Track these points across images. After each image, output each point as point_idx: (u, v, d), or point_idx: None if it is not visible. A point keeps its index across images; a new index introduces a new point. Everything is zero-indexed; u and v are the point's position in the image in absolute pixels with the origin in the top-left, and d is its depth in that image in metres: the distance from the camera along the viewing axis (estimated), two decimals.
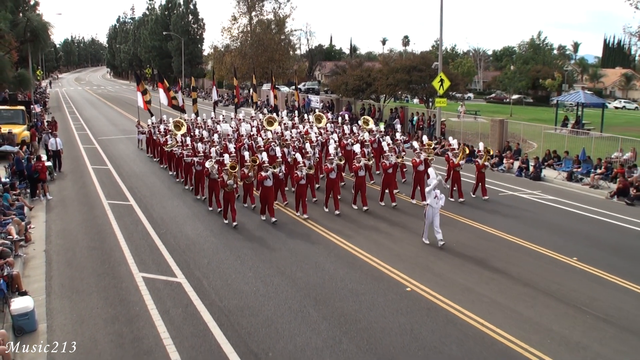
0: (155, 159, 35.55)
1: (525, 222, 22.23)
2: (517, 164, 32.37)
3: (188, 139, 29.64)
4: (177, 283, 16.20)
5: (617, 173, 28.62)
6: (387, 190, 24.47)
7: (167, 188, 28.06)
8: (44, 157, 29.76)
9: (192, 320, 13.91)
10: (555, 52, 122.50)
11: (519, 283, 16.29)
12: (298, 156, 23.98)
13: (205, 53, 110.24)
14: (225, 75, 76.44)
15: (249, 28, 76.31)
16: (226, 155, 23.22)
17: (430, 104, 50.31)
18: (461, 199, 25.10)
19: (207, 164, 23.40)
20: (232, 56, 75.48)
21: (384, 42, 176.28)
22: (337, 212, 23.02)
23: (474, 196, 25.96)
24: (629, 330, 13.60)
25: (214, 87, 49.34)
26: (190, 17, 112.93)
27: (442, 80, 40.16)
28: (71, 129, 51.11)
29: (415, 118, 47.16)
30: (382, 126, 36.83)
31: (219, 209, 23.09)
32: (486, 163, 25.96)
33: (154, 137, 35.90)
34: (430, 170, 20.00)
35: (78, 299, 15.19)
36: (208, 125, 36.86)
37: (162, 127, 35.38)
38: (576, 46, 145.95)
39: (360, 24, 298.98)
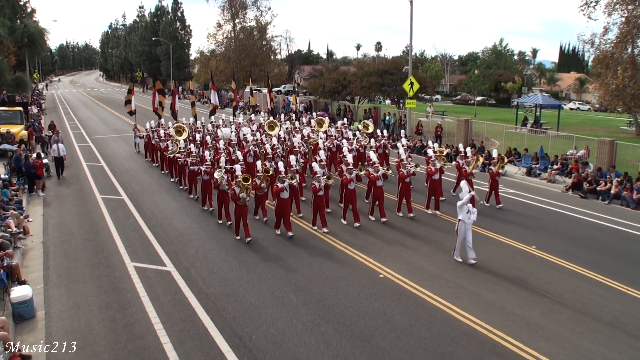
0: (154, 164, 32.80)
1: (488, 214, 22.32)
2: (480, 160, 32.53)
3: (192, 145, 26.07)
4: (167, 272, 16.15)
5: (572, 169, 28.95)
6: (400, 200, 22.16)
7: (156, 183, 27.88)
8: (42, 155, 29.45)
9: (180, 306, 13.89)
10: (515, 57, 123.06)
11: (483, 269, 16.42)
12: (315, 166, 20.92)
13: (192, 57, 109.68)
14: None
15: (232, 34, 76.14)
16: (237, 166, 20.72)
17: (401, 104, 50.49)
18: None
19: (217, 175, 20.36)
20: (217, 60, 75.45)
21: (358, 47, 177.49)
22: (357, 224, 20.41)
23: (487, 204, 23.52)
24: (583, 313, 13.77)
25: (214, 91, 45.78)
26: (178, 23, 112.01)
27: (412, 83, 40.30)
28: (66, 128, 50.51)
29: (389, 119, 47.25)
30: (356, 125, 36.54)
31: (229, 222, 20.54)
32: (500, 170, 23.81)
33: (153, 142, 33.16)
34: (463, 184, 17.52)
35: (74, 288, 15.09)
36: (208, 130, 34.36)
37: (161, 131, 32.78)
38: (535, 52, 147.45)
39: (337, 31, 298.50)
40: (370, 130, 32.47)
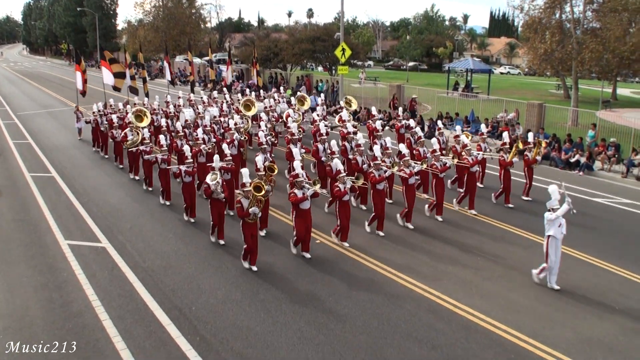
0: (104, 156, 27.61)
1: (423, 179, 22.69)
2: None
3: (162, 137, 21.52)
4: (102, 248, 16.01)
5: (502, 131, 29.73)
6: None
7: (87, 159, 27.29)
8: None
9: (118, 282, 13.84)
10: (446, 23, 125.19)
11: (418, 231, 17.00)
12: (338, 163, 16.38)
13: (119, 27, 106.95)
14: (138, 49, 74.69)
15: (161, 2, 74.57)
16: (244, 170, 15.22)
17: (334, 71, 50.80)
18: (510, 205, 19.74)
19: (209, 180, 15.47)
20: (145, 30, 73.82)
21: (289, 14, 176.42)
22: (381, 233, 16.84)
23: (526, 198, 20.49)
24: (514, 269, 14.47)
25: (168, 64, 40.94)
26: None
27: (343, 50, 40.30)
28: None
29: (322, 85, 47.34)
30: (289, 93, 35.99)
31: (222, 242, 16.17)
32: (538, 158, 20.36)
33: (102, 128, 27.77)
34: (553, 189, 13.44)
35: (7, 270, 14.81)
36: (167, 111, 29.29)
37: (114, 116, 26.60)
38: (465, 18, 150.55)
39: None
40: (354, 107, 29.57)
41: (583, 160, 25.21)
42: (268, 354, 10.70)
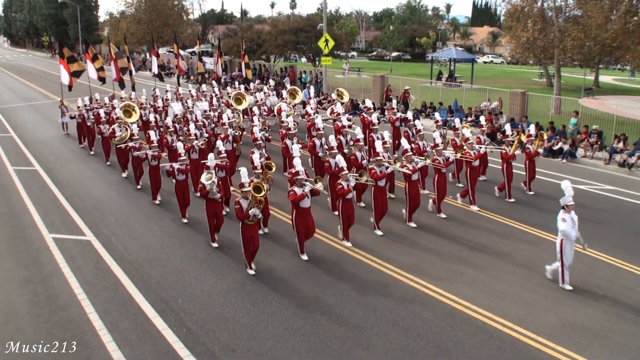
0: (91, 152, 26.63)
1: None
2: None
3: (152, 132, 19.83)
4: (87, 241, 15.91)
5: (485, 120, 29.84)
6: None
7: (71, 152, 27.06)
8: None
9: (103, 275, 13.77)
10: (429, 13, 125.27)
11: (403, 221, 16.99)
12: (340, 160, 15.79)
13: (101, 20, 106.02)
14: (122, 41, 74.12)
15: None
16: (243, 169, 14.31)
17: (317, 62, 50.76)
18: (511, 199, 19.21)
19: (204, 179, 14.63)
20: (127, 22, 73.30)
21: (272, 5, 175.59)
22: (379, 232, 16.17)
23: (530, 192, 19.98)
24: (499, 257, 14.56)
25: (155, 57, 39.52)
26: None
27: (327, 40, 40.35)
28: None
29: (306, 76, 47.22)
30: (272, 83, 35.81)
31: (215, 244, 15.39)
32: (540, 150, 20.21)
33: (88, 123, 26.82)
34: (566, 185, 12.94)
35: None
36: (156, 106, 27.58)
37: (101, 111, 25.05)
38: (448, 7, 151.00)
39: None
40: (346, 99, 28.59)
41: (566, 147, 25.35)
42: (255, 344, 10.70)
